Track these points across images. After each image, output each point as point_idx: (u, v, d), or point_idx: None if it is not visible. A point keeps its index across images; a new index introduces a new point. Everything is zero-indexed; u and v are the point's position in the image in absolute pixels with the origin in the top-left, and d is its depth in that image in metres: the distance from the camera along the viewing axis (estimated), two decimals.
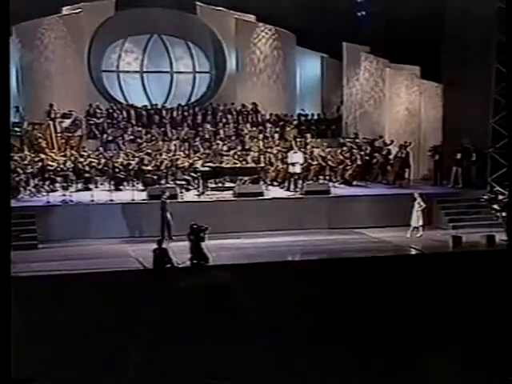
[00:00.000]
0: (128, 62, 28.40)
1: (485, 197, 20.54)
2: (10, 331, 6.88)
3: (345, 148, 24.45)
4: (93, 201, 19.51)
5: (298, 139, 25.33)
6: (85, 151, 23.16)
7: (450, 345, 9.38)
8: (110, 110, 26.24)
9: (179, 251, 16.18)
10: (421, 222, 19.14)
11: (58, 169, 21.18)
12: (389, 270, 10.48)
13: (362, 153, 23.65)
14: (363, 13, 28.37)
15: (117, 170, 21.55)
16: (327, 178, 22.69)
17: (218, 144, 24.27)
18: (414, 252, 17.74)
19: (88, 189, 20.81)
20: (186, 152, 23.72)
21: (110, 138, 24.84)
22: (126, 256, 17.03)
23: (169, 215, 18.40)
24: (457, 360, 9.25)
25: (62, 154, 22.82)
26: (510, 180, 17.89)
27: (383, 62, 25.47)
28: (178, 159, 22.31)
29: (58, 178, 20.90)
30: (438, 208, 20.90)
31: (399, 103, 25.19)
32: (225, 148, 24.04)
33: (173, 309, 8.82)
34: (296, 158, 21.92)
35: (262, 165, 22.44)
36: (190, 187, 21.34)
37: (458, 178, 22.49)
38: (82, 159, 22.01)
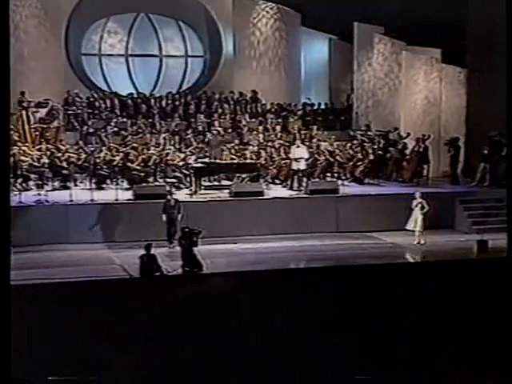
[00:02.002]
0: (111, 44, 28.36)
1: None
2: (10, 331, 6.97)
3: (355, 141, 24.43)
4: (71, 201, 19.48)
5: (302, 132, 25.35)
6: (62, 145, 23.09)
7: (475, 358, 9.40)
8: (91, 99, 26.20)
9: (169, 257, 16.22)
10: (420, 227, 18.87)
11: (32, 165, 21.19)
12: (405, 279, 10.48)
13: (375, 147, 23.66)
14: None
15: (99, 166, 21.55)
16: (335, 175, 22.70)
17: (213, 137, 24.27)
18: (433, 259, 17.75)
19: (66, 187, 20.80)
20: (177, 146, 23.73)
21: (90, 130, 24.81)
22: (109, 263, 17.04)
23: (179, 217, 18.36)
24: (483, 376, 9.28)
25: (37, 147, 22.81)
26: (510, 182, 17.84)
27: (399, 44, 25.49)
28: (167, 154, 22.31)
29: (32, 175, 20.89)
30: (461, 209, 20.91)
31: (417, 91, 25.21)
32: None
33: (162, 321, 8.82)
34: (300, 152, 21.92)
35: (263, 161, 22.47)
36: (182, 185, 21.37)
37: (484, 176, 22.45)
38: (59, 154, 21.97)
